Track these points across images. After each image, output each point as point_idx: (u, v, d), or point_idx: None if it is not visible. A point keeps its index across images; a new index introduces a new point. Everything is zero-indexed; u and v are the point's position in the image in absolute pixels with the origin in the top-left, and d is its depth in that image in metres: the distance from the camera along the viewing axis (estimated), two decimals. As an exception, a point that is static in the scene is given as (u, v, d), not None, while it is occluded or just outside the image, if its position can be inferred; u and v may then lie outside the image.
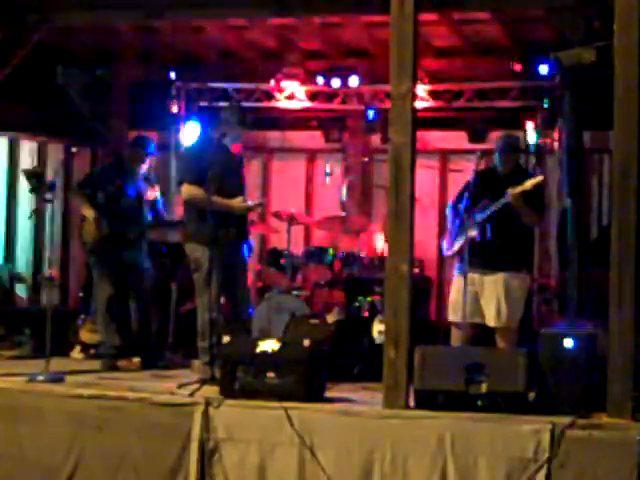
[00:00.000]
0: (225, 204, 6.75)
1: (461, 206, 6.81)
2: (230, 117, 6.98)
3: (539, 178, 6.83)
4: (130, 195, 7.78)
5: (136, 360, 7.63)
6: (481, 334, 6.89)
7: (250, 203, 6.95)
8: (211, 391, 5.94)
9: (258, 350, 5.86)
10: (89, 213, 7.63)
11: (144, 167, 7.90)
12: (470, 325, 6.73)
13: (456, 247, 6.94)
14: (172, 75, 10.24)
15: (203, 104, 10.32)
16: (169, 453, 5.71)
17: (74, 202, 7.75)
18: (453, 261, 7.24)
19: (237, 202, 6.83)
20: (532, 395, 5.55)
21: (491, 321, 6.75)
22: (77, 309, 8.90)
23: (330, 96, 10.24)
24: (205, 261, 6.67)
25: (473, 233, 6.70)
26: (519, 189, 6.65)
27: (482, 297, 6.79)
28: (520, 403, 5.38)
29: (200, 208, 6.74)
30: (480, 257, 6.66)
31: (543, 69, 9.24)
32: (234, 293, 6.94)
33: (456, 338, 6.87)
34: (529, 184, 6.66)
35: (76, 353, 8.27)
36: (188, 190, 6.80)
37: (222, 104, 9.60)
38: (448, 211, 7.15)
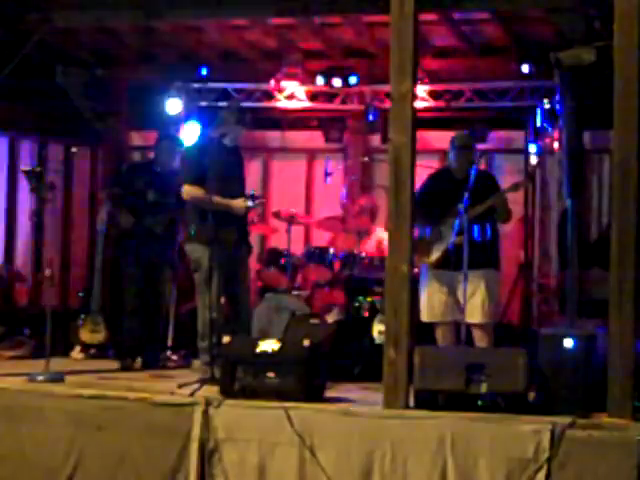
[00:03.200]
0: (225, 204, 6.76)
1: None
2: (229, 117, 6.99)
3: (522, 180, 7.38)
4: (157, 189, 7.79)
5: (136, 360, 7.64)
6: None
7: (250, 203, 6.95)
8: (211, 391, 5.94)
9: (258, 350, 5.86)
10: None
11: (174, 162, 7.92)
12: (452, 323, 6.84)
13: (433, 258, 6.94)
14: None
15: (203, 104, 10.31)
16: (169, 453, 5.71)
17: (103, 201, 7.89)
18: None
19: (237, 202, 6.84)
20: (532, 395, 5.56)
21: (476, 318, 6.77)
22: (77, 309, 8.88)
23: (330, 96, 10.23)
24: (205, 261, 6.68)
25: (457, 240, 6.70)
26: (507, 190, 6.96)
27: (460, 294, 6.72)
28: (520, 403, 5.39)
29: (200, 208, 6.75)
30: (459, 257, 6.60)
31: (543, 69, 9.22)
32: (234, 293, 6.94)
33: (443, 337, 6.93)
34: (516, 187, 7.07)
35: (76, 353, 8.26)
36: (188, 190, 6.82)
37: (222, 104, 9.59)
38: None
